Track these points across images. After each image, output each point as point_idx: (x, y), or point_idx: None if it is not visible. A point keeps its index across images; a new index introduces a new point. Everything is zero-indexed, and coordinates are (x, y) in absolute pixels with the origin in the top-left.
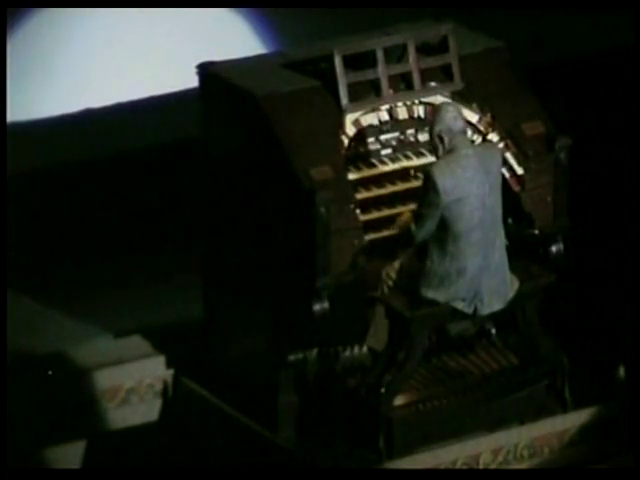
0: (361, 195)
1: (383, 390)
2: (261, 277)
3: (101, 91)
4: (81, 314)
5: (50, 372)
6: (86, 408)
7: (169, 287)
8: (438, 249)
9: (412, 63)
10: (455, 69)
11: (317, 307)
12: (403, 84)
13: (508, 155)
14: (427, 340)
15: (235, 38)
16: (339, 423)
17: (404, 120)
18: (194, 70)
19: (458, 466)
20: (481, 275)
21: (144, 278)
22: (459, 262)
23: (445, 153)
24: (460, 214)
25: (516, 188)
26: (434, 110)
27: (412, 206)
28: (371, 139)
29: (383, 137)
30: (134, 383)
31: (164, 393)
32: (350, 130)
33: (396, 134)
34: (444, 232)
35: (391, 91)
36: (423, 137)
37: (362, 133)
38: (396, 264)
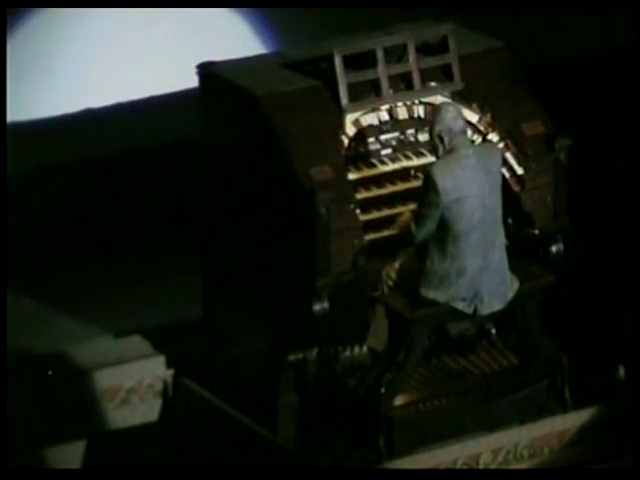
0: (361, 195)
1: (383, 390)
2: (261, 277)
3: (101, 91)
4: (81, 314)
5: (50, 372)
6: (86, 408)
7: (169, 287)
8: (438, 249)
9: (412, 63)
10: (455, 69)
11: (317, 307)
12: (403, 84)
13: (508, 155)
14: (427, 340)
15: (235, 38)
16: (339, 423)
17: (404, 120)
18: (194, 70)
19: (458, 466)
20: (481, 275)
21: (144, 278)
22: (459, 262)
23: (445, 153)
24: (460, 214)
25: (516, 188)
26: (434, 110)
27: (412, 206)
28: (371, 139)
29: (383, 137)
30: (134, 383)
31: (164, 393)
32: (350, 130)
33: (396, 134)
34: (444, 232)
35: (391, 91)
36: (423, 137)
37: (362, 133)
38: (396, 264)
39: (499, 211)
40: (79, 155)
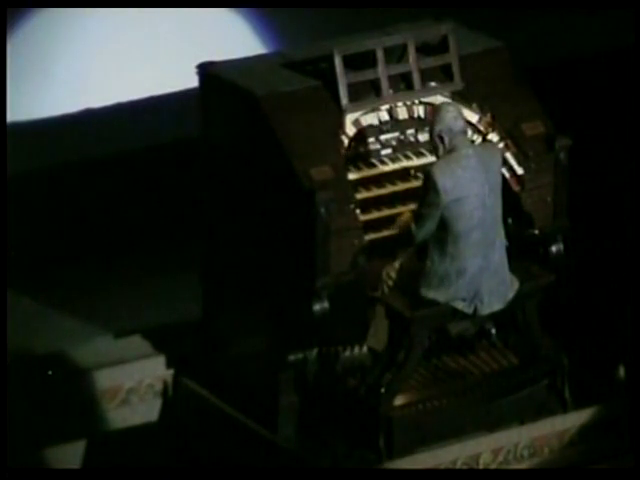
0: (361, 195)
1: (383, 390)
2: (261, 277)
3: (101, 91)
4: (81, 314)
5: (50, 372)
6: (86, 408)
7: (169, 287)
8: (438, 249)
9: (412, 63)
10: (455, 69)
11: (317, 307)
12: (403, 84)
13: (508, 155)
14: (427, 340)
15: (235, 38)
16: (339, 423)
17: (404, 120)
18: (194, 70)
19: (458, 466)
20: (481, 275)
21: (144, 278)
22: (459, 262)
23: (445, 153)
24: (460, 214)
25: (516, 188)
26: (434, 110)
27: (412, 206)
28: (371, 139)
29: (383, 137)
30: (134, 383)
31: (164, 393)
32: (350, 130)
33: (396, 134)
34: (444, 232)
35: (391, 91)
36: (423, 137)
37: (362, 133)
38: (396, 264)
39: (499, 211)
40: (79, 155)
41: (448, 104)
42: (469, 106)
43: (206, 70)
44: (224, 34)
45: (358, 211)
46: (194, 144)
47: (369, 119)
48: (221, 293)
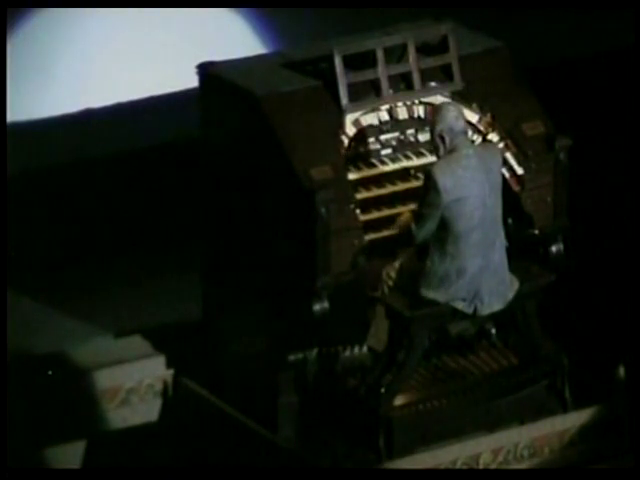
0: (361, 195)
1: (383, 390)
2: (261, 277)
3: (101, 91)
4: (81, 314)
5: (50, 372)
6: (86, 408)
7: (169, 287)
8: (438, 249)
9: (412, 63)
10: (455, 69)
11: (317, 307)
12: (403, 84)
13: (508, 155)
14: (427, 340)
15: (235, 38)
16: (339, 423)
17: (404, 120)
18: (194, 70)
19: (458, 466)
20: (481, 275)
21: (144, 278)
22: (459, 262)
23: (446, 153)
24: (460, 214)
25: (516, 188)
26: (435, 110)
27: (412, 206)
28: (371, 139)
29: (383, 137)
30: (134, 383)
31: (164, 393)
32: (350, 130)
33: (396, 134)
34: (444, 232)
35: (391, 91)
36: (423, 137)
37: (362, 133)
38: (396, 264)
39: (499, 211)
40: (79, 155)
41: (449, 104)
42: (469, 106)
43: (206, 70)
44: (224, 34)
45: (358, 211)
46: (194, 144)
47: (369, 119)
48: (221, 293)
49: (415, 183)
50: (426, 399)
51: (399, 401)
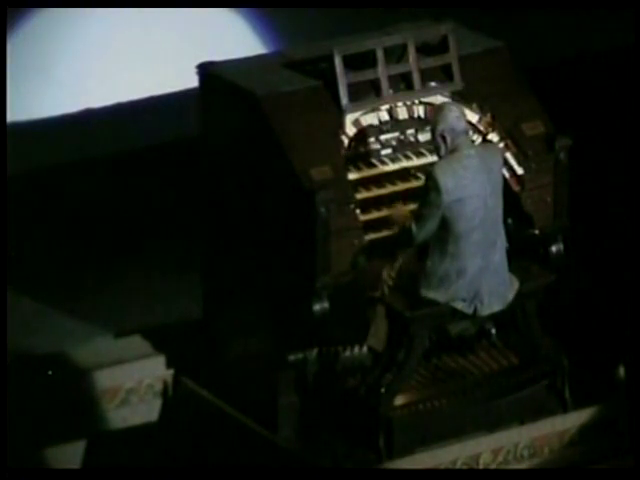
0: (361, 195)
1: (383, 390)
2: (261, 277)
3: (101, 91)
4: (81, 314)
5: (50, 372)
6: (86, 408)
7: (169, 287)
8: (439, 249)
9: (412, 63)
10: (455, 69)
11: (317, 307)
12: (403, 84)
13: (508, 155)
14: (427, 340)
15: (235, 38)
16: (339, 423)
17: (404, 120)
18: (194, 70)
19: (458, 466)
20: (481, 275)
21: (144, 278)
22: (459, 262)
23: (447, 153)
24: (461, 214)
25: (516, 188)
26: (437, 110)
27: (412, 206)
28: (371, 139)
29: (383, 137)
30: (134, 383)
31: (164, 393)
32: (350, 130)
33: (396, 134)
34: (445, 232)
35: (391, 91)
36: (423, 137)
37: (362, 133)
38: (396, 264)
39: (500, 211)
40: (79, 155)
41: (451, 104)
42: (469, 106)
43: (206, 70)
44: (224, 34)
45: (358, 211)
46: (194, 144)
47: (369, 119)
48: (221, 293)
49: (415, 183)
50: (426, 399)
51: (399, 401)
